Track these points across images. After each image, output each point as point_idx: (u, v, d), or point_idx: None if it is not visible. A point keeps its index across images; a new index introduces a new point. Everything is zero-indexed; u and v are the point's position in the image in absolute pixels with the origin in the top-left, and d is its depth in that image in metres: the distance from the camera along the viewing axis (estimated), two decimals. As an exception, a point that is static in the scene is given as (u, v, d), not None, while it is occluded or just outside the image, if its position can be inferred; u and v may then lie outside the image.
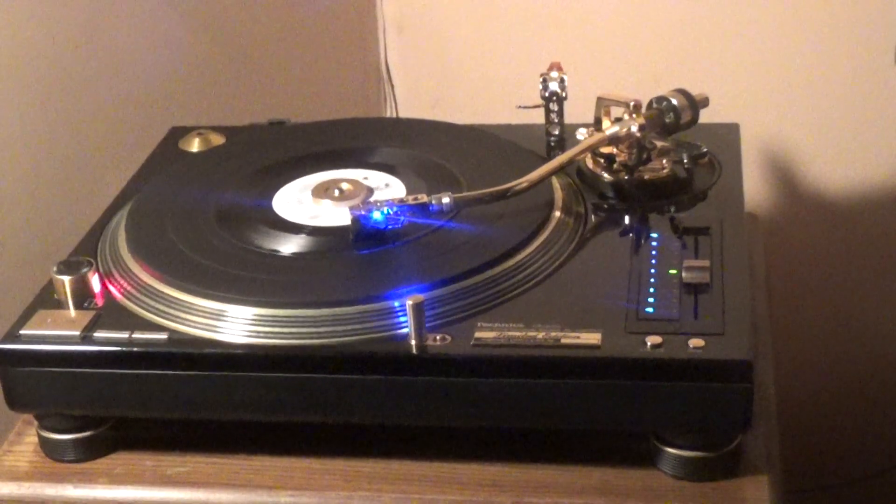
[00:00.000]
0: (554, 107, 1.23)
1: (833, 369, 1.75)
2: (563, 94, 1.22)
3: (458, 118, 1.28)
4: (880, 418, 1.78)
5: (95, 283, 1.03)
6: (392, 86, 1.78)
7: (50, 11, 1.27)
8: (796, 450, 1.71)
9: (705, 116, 1.16)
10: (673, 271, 1.00)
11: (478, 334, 0.94)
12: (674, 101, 1.14)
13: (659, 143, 1.14)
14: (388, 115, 1.80)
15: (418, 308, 0.93)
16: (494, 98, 1.70)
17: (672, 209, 1.10)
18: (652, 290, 0.98)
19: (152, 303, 1.01)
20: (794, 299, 1.69)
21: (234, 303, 0.98)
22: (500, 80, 1.70)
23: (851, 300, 1.72)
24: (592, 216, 1.10)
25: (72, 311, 1.01)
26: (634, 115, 1.12)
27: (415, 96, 1.78)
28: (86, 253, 1.08)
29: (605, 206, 1.11)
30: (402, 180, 1.15)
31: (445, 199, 1.04)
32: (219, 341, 0.97)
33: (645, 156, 1.12)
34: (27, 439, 1.05)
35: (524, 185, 1.07)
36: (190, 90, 1.49)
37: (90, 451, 1.02)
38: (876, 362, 1.75)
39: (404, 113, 1.79)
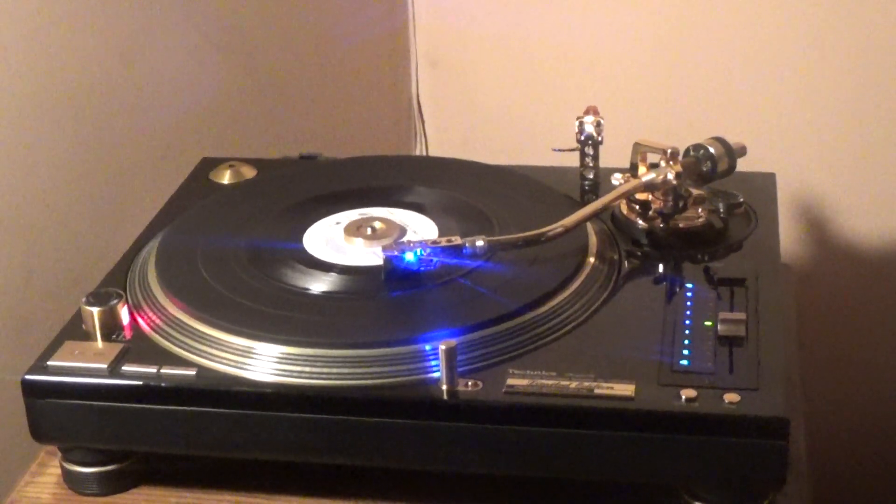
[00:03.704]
0: (589, 150, 1.22)
1: (865, 425, 1.73)
2: (599, 138, 1.21)
3: (488, 156, 1.28)
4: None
5: (124, 315, 1.02)
6: (423, 121, 1.78)
7: (84, 43, 1.27)
8: (828, 507, 1.70)
9: (741, 165, 1.15)
10: (708, 323, 0.99)
11: (510, 381, 0.93)
12: (711, 150, 1.13)
13: (695, 192, 1.13)
14: (418, 150, 1.80)
15: (451, 353, 0.92)
16: (525, 137, 1.70)
17: (706, 259, 1.09)
18: (686, 341, 0.97)
19: (180, 337, 1.00)
20: (826, 352, 1.68)
21: (263, 340, 0.98)
22: (531, 119, 1.70)
23: (884, 353, 1.71)
24: (626, 263, 1.09)
25: (100, 343, 1.01)
26: (671, 163, 1.11)
27: (445, 133, 1.78)
28: (115, 284, 1.07)
29: (639, 253, 1.11)
30: (435, 220, 1.14)
31: (479, 243, 1.03)
32: (247, 379, 0.96)
33: (681, 204, 1.11)
34: (50, 471, 1.04)
35: (559, 230, 1.06)
36: (221, 122, 1.49)
37: (114, 485, 1.01)
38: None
39: (434, 149, 1.78)
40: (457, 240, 1.04)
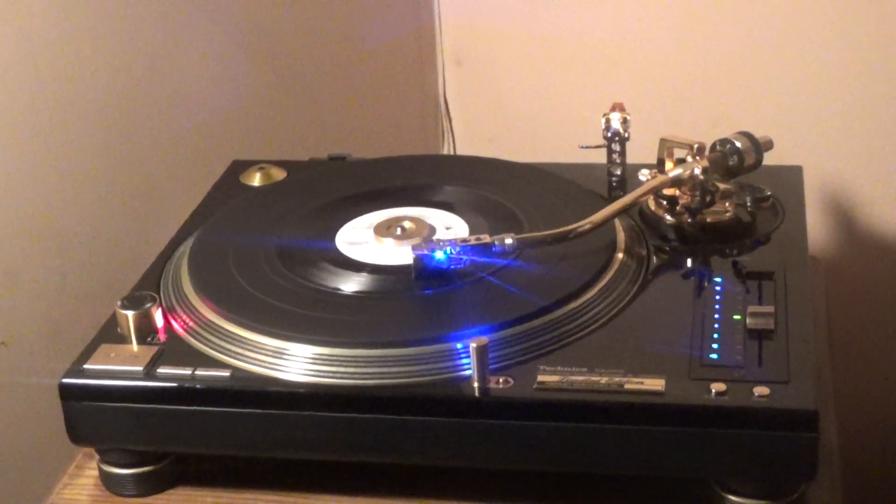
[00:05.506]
0: (616, 147, 1.23)
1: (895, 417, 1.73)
2: (626, 135, 1.22)
3: (515, 154, 1.28)
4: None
5: (159, 318, 1.03)
6: (450, 119, 1.78)
7: (112, 49, 1.28)
8: (859, 500, 1.69)
9: (768, 159, 1.16)
10: (737, 317, 1.00)
11: (540, 378, 0.94)
12: (738, 144, 1.14)
13: (722, 186, 1.13)
14: (446, 149, 1.80)
15: (482, 351, 0.93)
16: (551, 135, 1.70)
17: (734, 253, 1.09)
18: (716, 335, 0.98)
19: (214, 339, 1.01)
20: (856, 343, 1.68)
21: (296, 341, 0.99)
22: (557, 116, 1.70)
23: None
24: (654, 258, 1.09)
25: (135, 346, 1.02)
26: (698, 158, 1.11)
27: (472, 131, 1.78)
28: (148, 287, 1.08)
29: (667, 248, 1.11)
30: (464, 219, 1.14)
31: (508, 240, 1.04)
32: (280, 380, 0.97)
33: (708, 198, 1.11)
34: (88, 472, 1.06)
35: (587, 226, 1.06)
36: (250, 124, 1.50)
37: (150, 485, 1.02)
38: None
39: (461, 148, 1.79)
40: (486, 238, 1.04)
